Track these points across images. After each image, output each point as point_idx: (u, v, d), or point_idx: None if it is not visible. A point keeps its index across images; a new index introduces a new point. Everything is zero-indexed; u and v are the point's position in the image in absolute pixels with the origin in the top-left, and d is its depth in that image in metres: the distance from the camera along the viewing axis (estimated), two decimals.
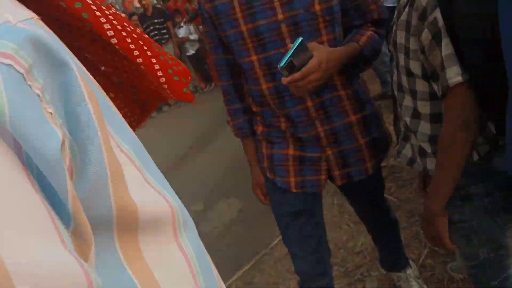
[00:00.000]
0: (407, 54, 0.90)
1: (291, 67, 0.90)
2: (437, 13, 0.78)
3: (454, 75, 0.79)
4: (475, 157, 0.91)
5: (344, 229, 2.26)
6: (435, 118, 0.92)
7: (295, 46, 0.89)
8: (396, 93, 1.03)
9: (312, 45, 0.96)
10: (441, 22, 0.78)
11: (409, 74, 0.93)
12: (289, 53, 0.89)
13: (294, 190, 1.21)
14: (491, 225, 0.93)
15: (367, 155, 1.19)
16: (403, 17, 0.89)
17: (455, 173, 0.89)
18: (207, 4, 1.06)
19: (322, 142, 1.15)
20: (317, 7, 1.01)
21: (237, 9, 1.02)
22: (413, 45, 0.87)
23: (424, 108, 0.94)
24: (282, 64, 0.90)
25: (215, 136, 4.58)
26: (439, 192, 0.94)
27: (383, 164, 2.55)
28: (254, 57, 1.06)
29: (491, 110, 0.83)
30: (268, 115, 1.19)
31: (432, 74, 0.86)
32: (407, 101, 0.98)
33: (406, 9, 0.88)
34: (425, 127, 0.95)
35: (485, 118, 0.88)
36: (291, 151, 1.18)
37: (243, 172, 3.32)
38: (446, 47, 0.79)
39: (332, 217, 2.36)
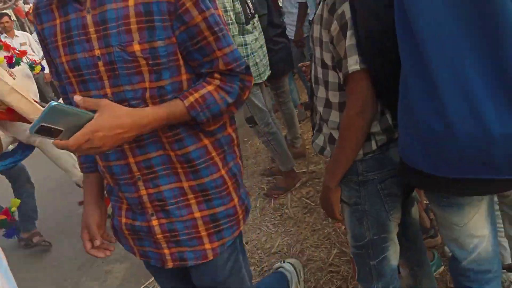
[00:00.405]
0: (321, 46, 0.97)
1: (49, 131, 0.74)
2: (345, 7, 0.86)
3: (353, 63, 0.87)
4: (374, 146, 1.00)
5: (263, 231, 2.31)
6: (343, 106, 0.99)
7: (45, 111, 0.71)
8: (313, 85, 1.10)
9: (102, 103, 0.78)
10: (348, 15, 0.86)
11: (324, 65, 1.00)
12: (39, 118, 0.72)
13: (142, 259, 1.04)
14: (381, 209, 1.03)
15: (205, 234, 0.96)
16: (318, 11, 0.96)
17: (349, 154, 0.97)
18: (38, 25, 0.90)
19: (147, 208, 0.94)
20: (136, 47, 0.81)
21: (58, 36, 0.86)
22: (325, 37, 0.94)
23: (334, 97, 1.01)
24: (31, 129, 0.74)
25: None
26: (335, 170, 1.01)
27: (303, 169, 2.70)
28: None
29: (387, 98, 0.92)
30: (99, 167, 1.00)
31: (337, 63, 0.93)
32: (321, 92, 1.05)
33: (320, 4, 0.95)
34: (335, 115, 1.02)
35: (381, 107, 0.97)
36: (123, 218, 1.00)
37: None
38: (350, 39, 0.87)
39: (253, 219, 2.41)
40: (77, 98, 0.76)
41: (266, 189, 2.66)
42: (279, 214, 2.42)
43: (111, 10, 0.81)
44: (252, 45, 2.26)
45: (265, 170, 2.89)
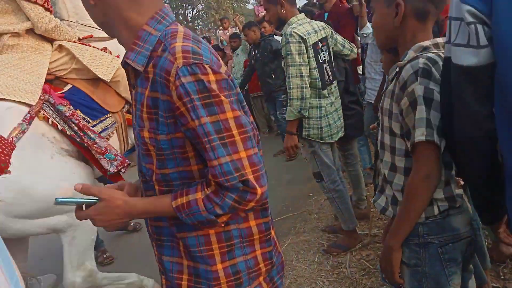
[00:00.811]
0: (390, 116, 1.12)
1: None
2: (415, 86, 1.01)
3: (420, 134, 0.99)
4: (436, 211, 1.08)
5: (318, 286, 2.34)
6: (408, 171, 1.10)
7: (62, 200, 0.92)
8: (378, 150, 1.23)
9: (102, 195, 0.90)
10: (417, 93, 1.00)
11: (392, 133, 1.13)
12: (67, 199, 0.94)
13: None
14: (440, 273, 1.08)
15: None
16: (390, 87, 1.12)
17: (412, 217, 1.06)
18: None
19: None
20: (146, 134, 0.89)
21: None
22: (395, 109, 1.09)
23: (400, 162, 1.13)
24: (56, 201, 0.92)
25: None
26: (398, 232, 1.10)
27: (365, 231, 2.70)
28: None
29: (455, 167, 1.03)
30: None
31: (406, 133, 1.06)
32: (387, 156, 1.17)
33: (393, 82, 1.11)
34: (399, 179, 1.13)
35: (447, 177, 1.07)
36: None
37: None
38: (418, 113, 1.00)
39: (310, 273, 2.45)
40: (78, 186, 0.90)
41: (326, 246, 2.71)
42: (337, 272, 2.44)
43: (138, 93, 0.91)
44: (327, 108, 2.45)
45: (327, 226, 2.94)
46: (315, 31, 2.41)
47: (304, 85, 2.33)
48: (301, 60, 2.31)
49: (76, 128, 1.85)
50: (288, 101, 2.41)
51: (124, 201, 0.91)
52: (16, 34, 1.85)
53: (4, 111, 1.71)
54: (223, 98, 0.82)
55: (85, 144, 1.87)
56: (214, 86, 0.81)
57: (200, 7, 30.58)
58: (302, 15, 2.46)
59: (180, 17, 30.55)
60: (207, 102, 0.81)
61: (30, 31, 1.90)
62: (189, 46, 0.83)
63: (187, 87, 0.80)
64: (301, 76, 2.32)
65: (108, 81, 2.03)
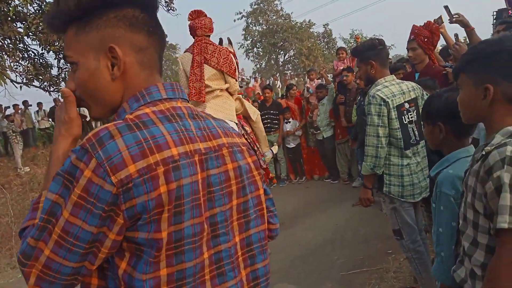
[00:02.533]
0: (474, 195, 1.15)
1: None
2: (501, 173, 1.04)
3: (503, 221, 1.02)
4: None
5: None
6: (489, 249, 1.11)
7: None
8: (461, 222, 1.25)
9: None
10: (503, 180, 1.03)
11: (475, 210, 1.16)
12: None
13: None
14: None
15: None
16: (476, 167, 1.15)
17: None
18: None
19: None
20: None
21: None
22: (479, 189, 1.12)
23: (483, 239, 1.14)
24: None
25: (292, 224, 4.82)
26: None
27: None
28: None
29: None
30: None
31: (489, 215, 1.08)
32: (469, 230, 1.19)
33: (479, 163, 1.14)
34: (479, 255, 1.14)
35: None
36: None
37: (310, 266, 3.49)
38: (503, 199, 1.03)
39: None
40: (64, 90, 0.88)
41: None
42: None
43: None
44: (412, 167, 2.46)
45: (405, 287, 2.83)
46: (403, 93, 2.47)
47: (379, 145, 2.40)
48: (379, 121, 2.40)
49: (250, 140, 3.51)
50: (364, 157, 2.49)
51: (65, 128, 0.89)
52: (221, 90, 3.35)
53: (234, 125, 3.22)
54: (76, 196, 0.71)
55: None
56: (82, 181, 0.71)
57: (292, 52, 31.90)
58: (391, 76, 2.55)
59: (272, 61, 32.15)
60: (66, 184, 0.72)
61: (226, 90, 3.38)
62: (106, 132, 0.73)
63: (65, 164, 0.74)
64: (377, 136, 2.41)
65: (254, 120, 3.69)
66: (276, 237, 1.09)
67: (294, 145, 6.95)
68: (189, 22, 3.53)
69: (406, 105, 2.48)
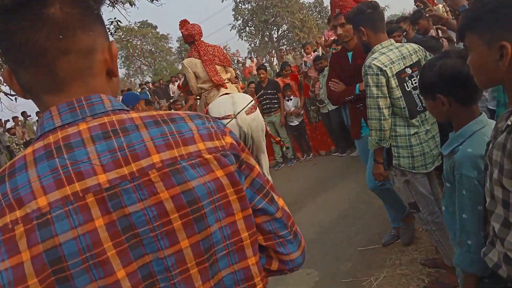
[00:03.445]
0: (501, 171, 1.00)
1: None
2: None
3: None
4: None
5: None
6: None
7: None
8: (488, 199, 1.11)
9: None
10: None
11: (503, 187, 1.01)
12: None
13: None
14: None
15: None
16: (501, 139, 1.00)
17: None
18: None
19: None
20: None
21: None
22: (507, 165, 0.97)
23: None
24: None
25: (304, 204, 4.73)
26: None
27: None
28: None
29: None
30: None
31: None
32: (499, 210, 1.05)
33: (504, 134, 0.99)
34: None
35: None
36: None
37: (326, 246, 3.41)
38: None
39: None
40: None
41: (426, 282, 2.51)
42: None
43: None
44: (421, 136, 2.31)
45: (427, 259, 2.72)
46: (403, 57, 2.30)
47: (382, 117, 2.26)
48: (379, 92, 2.25)
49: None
50: (369, 131, 2.35)
51: None
52: (229, 80, 4.38)
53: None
54: None
55: None
56: None
57: (285, 27, 31.29)
58: (388, 41, 2.37)
59: (266, 39, 31.60)
60: None
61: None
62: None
63: None
64: (379, 108, 2.26)
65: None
66: (298, 269, 0.85)
67: (298, 123, 6.80)
68: (183, 30, 4.25)
69: (408, 71, 2.31)
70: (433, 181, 2.51)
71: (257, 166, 0.77)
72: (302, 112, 6.75)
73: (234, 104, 4.28)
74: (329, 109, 6.28)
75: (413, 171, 2.33)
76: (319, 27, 30.27)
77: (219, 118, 4.28)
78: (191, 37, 4.30)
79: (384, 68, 2.22)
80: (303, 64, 7.68)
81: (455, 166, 1.37)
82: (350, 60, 2.92)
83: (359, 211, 3.97)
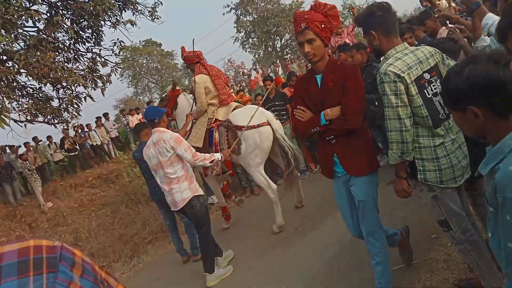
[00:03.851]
0: None
1: None
2: None
3: None
4: None
5: None
6: None
7: None
8: None
9: None
10: None
11: None
12: None
13: None
14: None
15: None
16: None
17: None
18: None
19: None
20: None
21: None
22: None
23: None
24: None
25: (322, 219, 4.52)
26: None
27: None
28: None
29: None
30: None
31: None
32: None
33: None
34: None
35: None
36: None
37: (348, 265, 3.21)
38: None
39: None
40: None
41: None
42: None
43: None
44: (447, 147, 2.11)
45: (461, 279, 2.51)
46: (420, 62, 2.12)
47: (403, 128, 2.07)
48: (398, 101, 2.06)
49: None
50: (389, 144, 2.16)
51: None
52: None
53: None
54: None
55: None
56: None
57: (287, 36, 31.27)
58: (402, 45, 2.18)
59: (270, 49, 31.61)
60: None
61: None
62: None
63: None
64: (399, 118, 2.07)
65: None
66: None
67: None
68: (187, 54, 4.91)
69: (427, 76, 2.12)
70: (462, 195, 2.30)
71: None
72: None
73: (264, 113, 4.74)
74: None
75: (442, 185, 2.13)
76: None
77: (250, 127, 4.55)
78: (197, 57, 4.83)
79: (402, 75, 2.04)
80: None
81: (497, 188, 1.19)
82: (319, 85, 2.43)
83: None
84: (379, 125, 4.66)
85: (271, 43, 31.48)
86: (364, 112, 2.47)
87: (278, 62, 24.96)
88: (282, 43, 31.78)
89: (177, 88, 5.42)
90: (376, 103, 4.52)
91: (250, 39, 31.32)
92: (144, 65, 32.14)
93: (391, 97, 2.06)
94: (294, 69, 14.08)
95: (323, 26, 2.31)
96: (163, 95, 5.46)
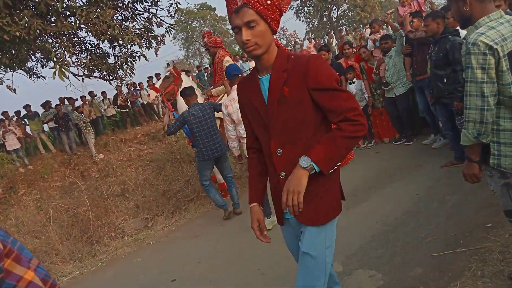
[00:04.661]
0: None
1: None
2: None
3: None
4: None
5: None
6: None
7: None
8: None
9: None
10: None
11: None
12: None
13: None
14: None
15: None
16: None
17: None
18: None
19: None
20: None
21: None
22: None
23: None
24: None
25: (366, 197, 4.39)
26: None
27: None
28: None
29: None
30: None
31: None
32: None
33: None
34: None
35: None
36: None
37: (392, 246, 3.09)
38: None
39: None
40: None
41: None
42: None
43: None
44: None
45: None
46: None
47: (486, 107, 1.84)
48: (484, 76, 1.81)
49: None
50: (464, 123, 1.95)
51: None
52: None
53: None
54: None
55: None
56: None
57: (345, 6, 29.91)
58: (498, 13, 1.89)
59: (325, 19, 30.47)
60: None
61: None
62: None
63: None
64: (482, 96, 1.84)
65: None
66: None
67: (361, 107, 6.36)
68: (214, 38, 5.78)
69: None
70: None
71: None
72: (366, 95, 6.31)
73: None
74: (396, 94, 5.79)
75: None
76: (382, 5, 28.60)
77: None
78: (220, 42, 5.78)
79: (495, 46, 1.79)
80: (368, 42, 7.12)
81: None
82: (266, 90, 1.65)
83: (431, 209, 3.56)
84: (445, 104, 4.36)
85: (327, 13, 30.31)
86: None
87: (332, 32, 24.05)
88: (338, 13, 30.49)
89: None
90: (445, 80, 4.20)
91: (305, 8, 30.32)
92: (197, 28, 32.27)
93: (477, 72, 1.83)
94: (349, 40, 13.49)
95: (269, 2, 1.53)
96: (167, 73, 6.00)
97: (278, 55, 1.63)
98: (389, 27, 6.57)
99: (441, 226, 3.22)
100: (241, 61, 14.65)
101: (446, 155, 4.79)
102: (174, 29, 10.25)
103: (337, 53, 10.79)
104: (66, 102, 12.24)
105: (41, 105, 11.93)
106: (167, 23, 9.00)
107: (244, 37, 1.53)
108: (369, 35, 7.53)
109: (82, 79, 9.08)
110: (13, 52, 8.38)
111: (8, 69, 8.90)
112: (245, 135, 4.42)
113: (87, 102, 12.56)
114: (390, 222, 3.57)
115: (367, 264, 2.99)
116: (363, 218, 3.86)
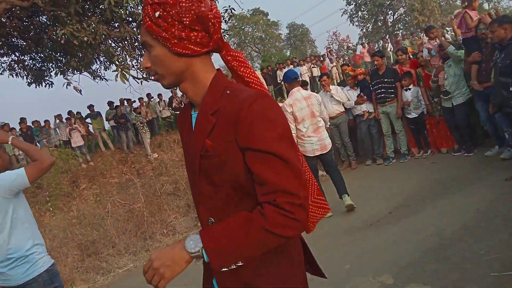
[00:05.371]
0: None
1: None
2: None
3: None
4: None
5: None
6: None
7: None
8: None
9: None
10: None
11: None
12: None
13: None
14: None
15: None
16: None
17: None
18: None
19: None
20: None
21: None
22: None
23: None
24: None
25: (420, 208, 4.22)
26: None
27: None
28: None
29: None
30: None
31: None
32: None
33: None
34: None
35: None
36: None
37: (448, 261, 2.95)
38: None
39: None
40: None
41: None
42: None
43: None
44: None
45: None
46: None
47: None
48: None
49: None
50: None
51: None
52: None
53: None
54: None
55: None
56: None
57: (401, 10, 28.93)
58: None
59: (379, 23, 29.65)
60: None
61: None
62: None
63: None
64: None
65: None
66: None
67: (416, 115, 6.13)
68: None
69: None
70: None
71: None
72: (423, 103, 6.08)
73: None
74: (454, 104, 5.51)
75: None
76: (442, 9, 27.32)
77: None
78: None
79: None
80: (425, 52, 6.84)
81: None
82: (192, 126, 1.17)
83: (493, 225, 3.35)
84: (509, 113, 4.09)
85: (382, 17, 29.49)
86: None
87: (387, 37, 23.37)
88: (394, 17, 29.56)
89: None
90: (511, 88, 3.95)
91: (360, 12, 29.71)
92: (249, 33, 32.79)
93: None
94: (405, 46, 13.00)
95: (157, 14, 1.04)
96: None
97: (211, 87, 1.11)
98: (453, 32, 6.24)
99: (503, 243, 3.02)
100: (292, 66, 14.68)
101: (511, 168, 4.48)
102: (228, 35, 10.51)
103: (391, 58, 10.48)
104: (125, 103, 12.96)
105: (107, 103, 12.67)
106: (221, 29, 9.29)
107: (142, 63, 1.13)
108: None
109: (141, 82, 9.59)
110: (80, 55, 9.07)
111: (75, 71, 9.63)
112: (306, 135, 4.64)
113: (144, 103, 13.21)
114: (446, 236, 3.40)
115: (422, 278, 2.87)
116: (416, 230, 3.71)
